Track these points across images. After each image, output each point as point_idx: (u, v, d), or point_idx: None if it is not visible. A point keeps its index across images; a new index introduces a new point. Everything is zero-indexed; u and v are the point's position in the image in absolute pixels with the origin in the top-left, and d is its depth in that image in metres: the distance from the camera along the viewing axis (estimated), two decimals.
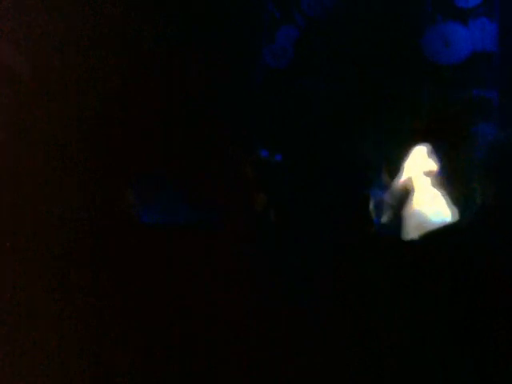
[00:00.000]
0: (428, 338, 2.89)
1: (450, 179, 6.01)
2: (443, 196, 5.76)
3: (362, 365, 3.03)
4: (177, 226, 3.59)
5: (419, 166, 5.81)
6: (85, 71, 5.17)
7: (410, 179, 5.78)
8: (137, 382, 3.28)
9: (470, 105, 7.04)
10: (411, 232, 5.38)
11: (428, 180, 5.74)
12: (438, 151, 6.54)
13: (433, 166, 5.77)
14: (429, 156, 5.84)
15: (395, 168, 6.22)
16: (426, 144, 6.08)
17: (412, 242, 3.10)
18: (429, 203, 5.67)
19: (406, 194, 5.79)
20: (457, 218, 5.31)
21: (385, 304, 3.01)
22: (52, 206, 3.86)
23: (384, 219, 5.77)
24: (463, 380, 2.84)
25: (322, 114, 7.21)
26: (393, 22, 7.41)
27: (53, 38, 4.97)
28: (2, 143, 4.15)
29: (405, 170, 5.80)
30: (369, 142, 6.66)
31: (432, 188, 5.73)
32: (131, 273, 3.41)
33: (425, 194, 5.74)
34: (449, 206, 5.63)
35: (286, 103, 7.57)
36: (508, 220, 2.95)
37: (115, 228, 3.85)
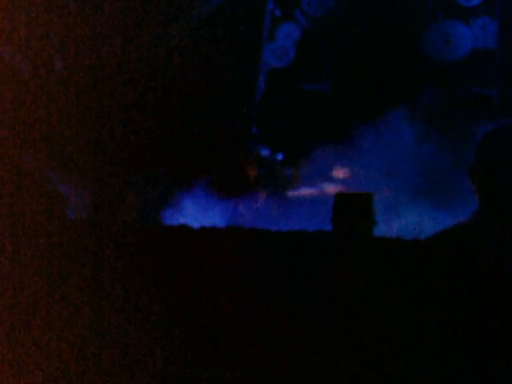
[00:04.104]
0: (428, 338, 2.89)
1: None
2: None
3: (361, 365, 3.02)
4: (175, 226, 3.58)
5: None
6: (84, 71, 5.17)
7: None
8: (137, 382, 3.28)
9: (471, 102, 7.05)
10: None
11: None
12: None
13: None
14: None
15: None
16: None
17: (412, 243, 3.09)
18: None
19: None
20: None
21: (384, 305, 3.01)
22: (52, 205, 3.86)
23: None
24: (463, 380, 2.84)
25: (323, 113, 7.22)
26: (394, 20, 7.41)
27: (53, 38, 4.96)
28: (3, 142, 4.15)
29: None
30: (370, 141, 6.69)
31: None
32: (131, 272, 3.41)
33: None
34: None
35: (287, 102, 7.57)
36: (508, 220, 2.95)
37: (115, 227, 3.84)
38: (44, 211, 3.62)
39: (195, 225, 3.52)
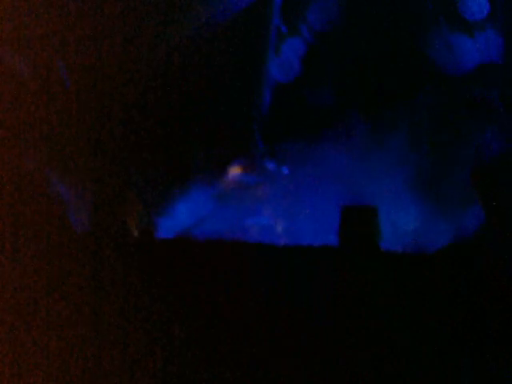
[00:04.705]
0: (428, 338, 2.89)
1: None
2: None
3: (362, 365, 3.03)
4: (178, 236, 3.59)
5: None
6: (84, 71, 5.16)
7: None
8: (137, 382, 3.28)
9: (476, 114, 7.06)
10: None
11: None
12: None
13: None
14: None
15: None
16: None
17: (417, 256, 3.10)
18: None
19: None
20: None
21: (384, 305, 3.01)
22: (52, 205, 3.86)
23: None
24: (463, 380, 2.84)
25: (328, 126, 7.24)
26: (399, 34, 7.44)
27: (53, 38, 4.96)
28: (3, 143, 4.14)
29: None
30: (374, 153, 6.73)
31: None
32: (131, 272, 3.41)
33: None
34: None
35: (293, 116, 7.60)
36: (508, 220, 2.94)
37: (115, 227, 3.85)
38: (44, 211, 3.62)
39: (201, 235, 3.52)
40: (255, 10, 7.65)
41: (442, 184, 6.48)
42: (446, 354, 2.85)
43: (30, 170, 3.99)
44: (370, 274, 3.08)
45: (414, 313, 2.94)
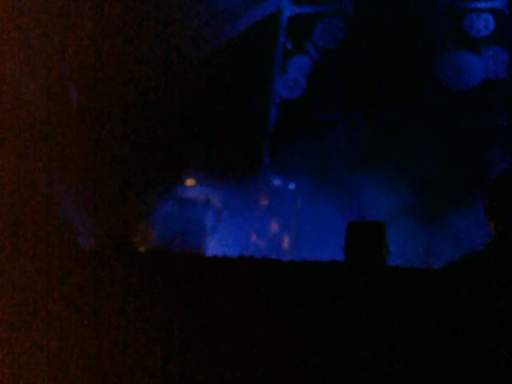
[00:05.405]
0: (428, 338, 2.89)
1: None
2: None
3: (361, 365, 3.03)
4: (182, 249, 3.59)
5: None
6: (85, 71, 5.17)
7: None
8: (138, 382, 3.28)
9: (483, 131, 7.08)
10: None
11: None
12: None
13: None
14: None
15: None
16: None
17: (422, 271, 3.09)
18: None
19: None
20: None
21: (384, 305, 3.02)
22: (52, 205, 3.86)
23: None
24: (463, 380, 2.84)
25: (334, 143, 7.29)
26: (406, 51, 7.48)
27: (53, 38, 4.97)
28: (3, 143, 4.15)
29: None
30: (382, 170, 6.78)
31: None
32: (132, 273, 3.41)
33: None
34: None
35: (299, 132, 7.65)
36: (508, 221, 2.94)
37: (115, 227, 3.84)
38: (44, 211, 3.62)
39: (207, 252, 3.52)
40: (262, 28, 7.72)
41: (445, 194, 6.53)
42: (443, 343, 2.85)
43: (30, 170, 3.99)
44: (376, 290, 3.07)
45: (421, 329, 2.94)
